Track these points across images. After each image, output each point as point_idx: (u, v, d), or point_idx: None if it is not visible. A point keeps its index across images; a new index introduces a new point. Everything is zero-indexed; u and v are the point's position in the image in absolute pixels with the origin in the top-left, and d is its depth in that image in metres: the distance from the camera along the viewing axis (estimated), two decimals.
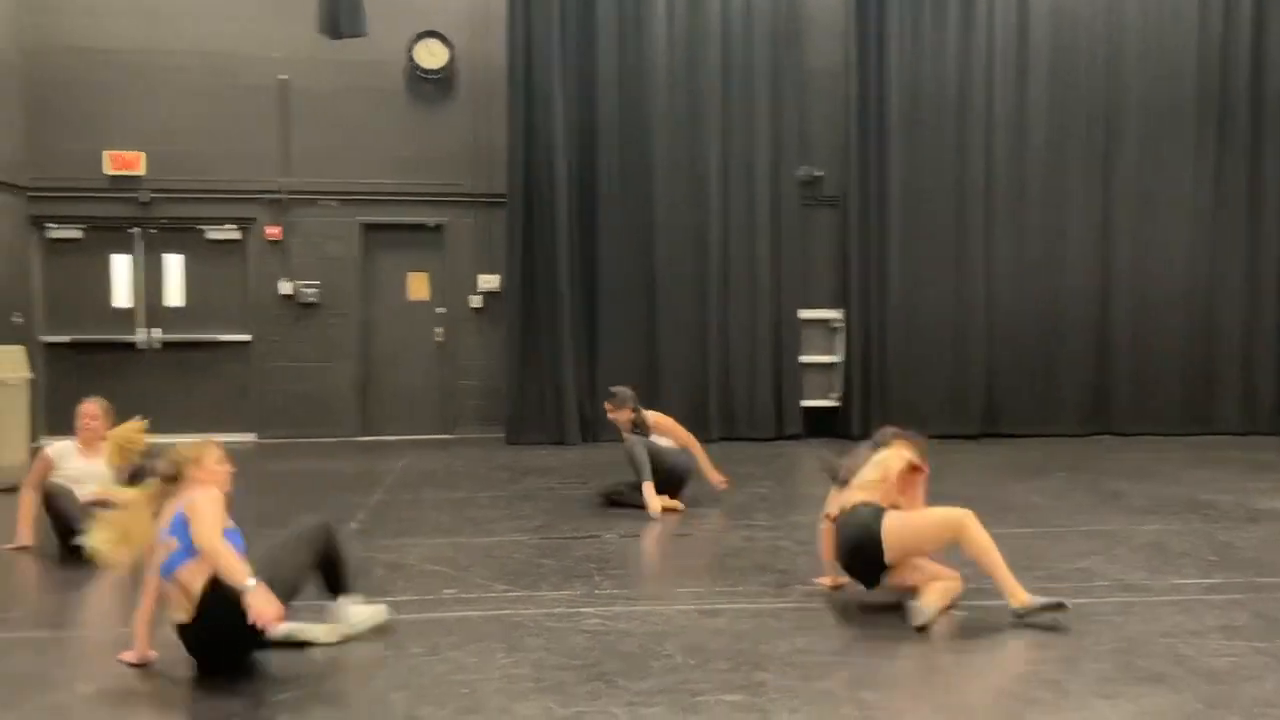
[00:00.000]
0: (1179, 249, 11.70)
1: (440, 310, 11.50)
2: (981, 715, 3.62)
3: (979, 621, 4.69)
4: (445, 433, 11.46)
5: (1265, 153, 11.72)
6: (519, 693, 3.83)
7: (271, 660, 4.19)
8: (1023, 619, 4.54)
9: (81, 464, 6.23)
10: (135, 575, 4.42)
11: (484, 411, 11.50)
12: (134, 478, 5.49)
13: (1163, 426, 11.50)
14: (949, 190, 11.50)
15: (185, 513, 3.93)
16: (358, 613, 4.39)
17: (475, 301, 11.48)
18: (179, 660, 4.22)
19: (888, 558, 4.66)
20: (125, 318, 11.11)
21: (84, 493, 6.07)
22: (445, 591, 5.06)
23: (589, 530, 6.60)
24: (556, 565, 5.69)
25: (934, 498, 6.72)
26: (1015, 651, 4.32)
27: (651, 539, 6.41)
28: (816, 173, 11.58)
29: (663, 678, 3.97)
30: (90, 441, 6.30)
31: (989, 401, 11.41)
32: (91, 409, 6.37)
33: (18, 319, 10.35)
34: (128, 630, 4.18)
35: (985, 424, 11.35)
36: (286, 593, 3.92)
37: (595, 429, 11.15)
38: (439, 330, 11.48)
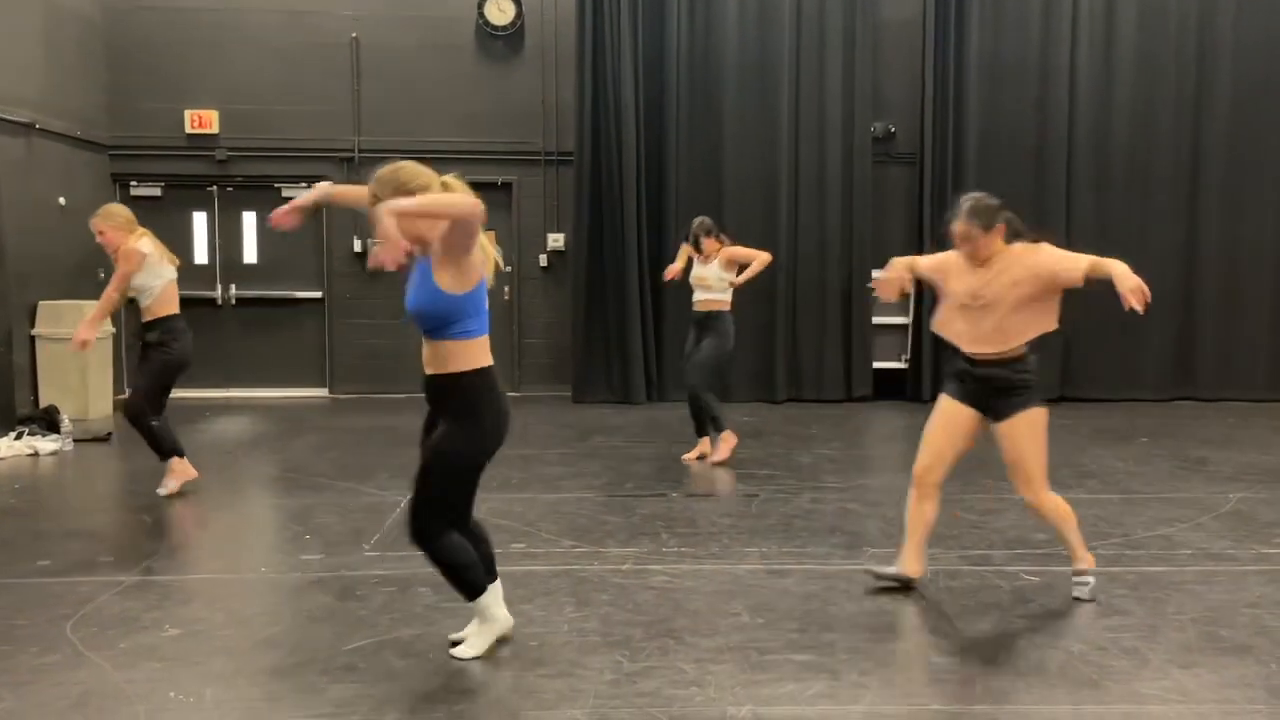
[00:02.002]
0: (1269, 209, 11.21)
1: (507, 269, 11.54)
2: (1057, 682, 3.55)
3: (1056, 588, 4.60)
4: (512, 390, 11.55)
5: None
6: (588, 646, 3.86)
7: (351, 611, 4.29)
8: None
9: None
10: None
11: (550, 370, 11.55)
12: None
13: (1247, 392, 11.10)
14: (1028, 149, 11.13)
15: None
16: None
17: (543, 260, 11.50)
18: (260, 612, 4.34)
19: None
20: (203, 274, 11.36)
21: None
22: (513, 546, 5.12)
23: (655, 489, 6.62)
24: (623, 522, 5.72)
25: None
26: (1092, 619, 4.23)
27: (718, 499, 6.40)
28: (890, 128, 11.31)
29: (730, 636, 3.97)
30: None
31: (1066, 364, 11.11)
32: (97, 224, 6.28)
33: (101, 275, 10.65)
34: (211, 576, 4.29)
35: (1064, 387, 11.07)
36: None
37: (660, 389, 11.14)
38: (506, 289, 11.54)
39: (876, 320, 11.28)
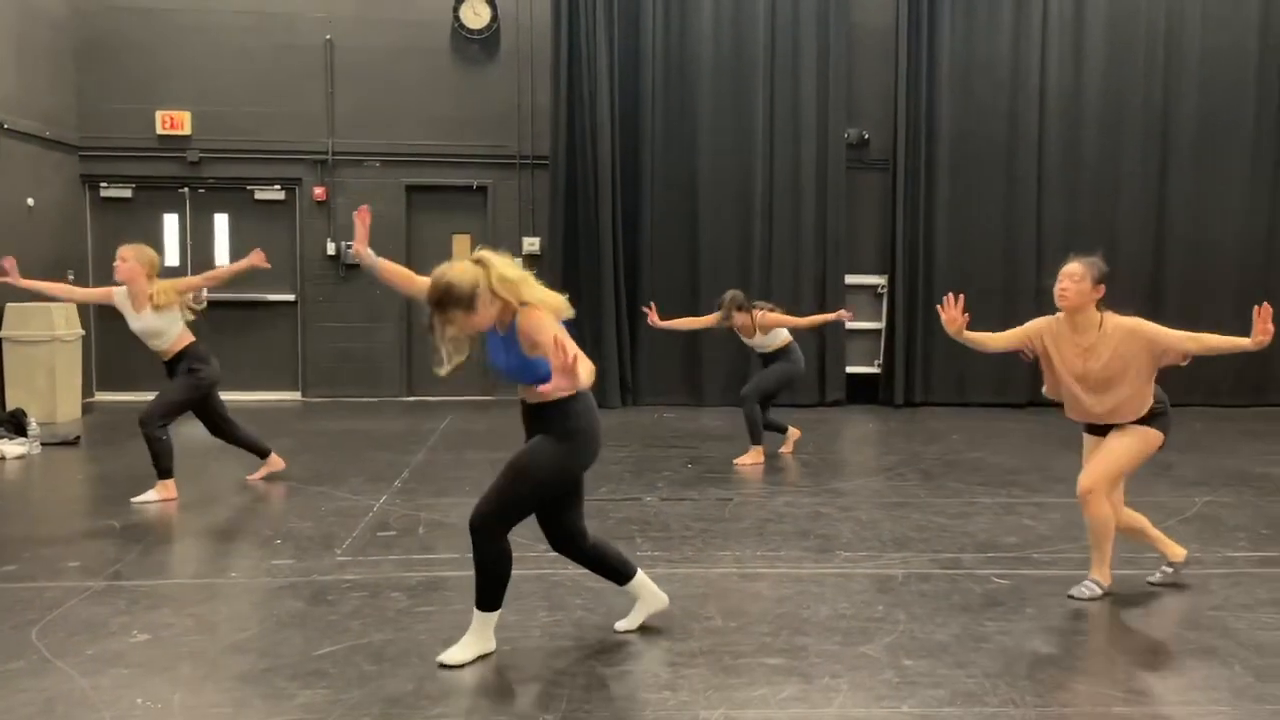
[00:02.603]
0: (1234, 215, 11.38)
1: None
2: (1024, 683, 3.59)
3: (1024, 591, 4.65)
4: (487, 394, 11.53)
5: None
6: (561, 650, 3.86)
7: (321, 616, 4.26)
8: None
9: (135, 321, 6.31)
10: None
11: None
12: None
13: (1213, 398, 11.26)
14: (999, 155, 11.26)
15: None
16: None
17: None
18: (230, 618, 4.31)
19: None
20: (175, 276, 11.19)
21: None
22: None
23: (629, 493, 6.62)
24: (597, 527, 5.68)
25: (983, 470, 6.68)
26: (1060, 622, 4.28)
27: (692, 503, 6.41)
28: (864, 135, 11.39)
29: (703, 639, 3.99)
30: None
31: (1037, 370, 11.21)
32: (122, 250, 6.32)
33: (71, 277, 10.53)
34: (180, 581, 4.26)
35: (1034, 394, 11.16)
36: None
37: (636, 392, 11.16)
38: None
39: (850, 326, 11.37)
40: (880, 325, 11.44)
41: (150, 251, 6.42)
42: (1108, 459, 4.45)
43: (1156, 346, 4.40)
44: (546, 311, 3.60)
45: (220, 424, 6.73)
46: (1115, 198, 11.30)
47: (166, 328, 6.26)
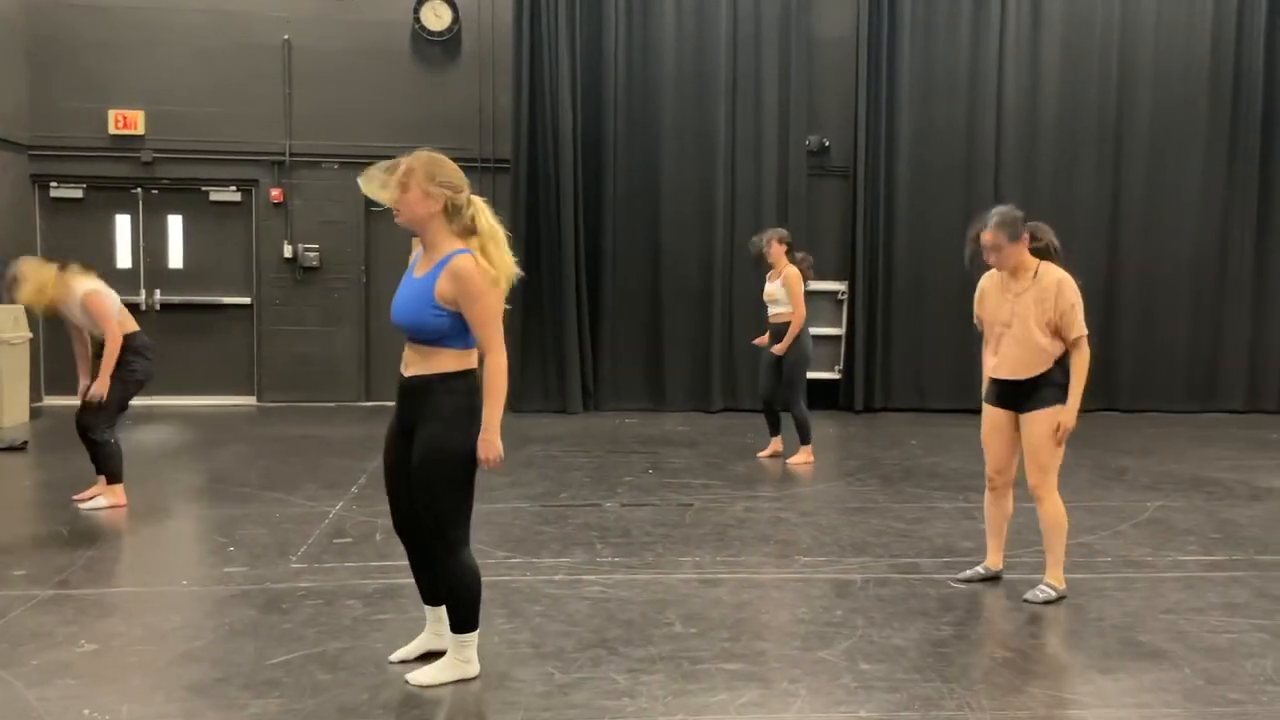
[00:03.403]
0: (1187, 226, 11.61)
1: None
2: (980, 687, 3.61)
3: (981, 595, 4.69)
4: None
5: (1277, 132, 11.59)
6: (519, 658, 3.83)
7: (275, 624, 4.20)
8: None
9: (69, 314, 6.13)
10: None
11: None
12: None
13: (1166, 404, 11.48)
14: (958, 164, 11.39)
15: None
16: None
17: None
18: (181, 626, 4.23)
19: None
20: (127, 279, 11.04)
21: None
22: None
23: (590, 499, 6.60)
24: (557, 533, 5.69)
25: (941, 475, 6.71)
26: (1017, 625, 4.32)
27: (653, 508, 6.40)
28: (825, 142, 11.47)
29: (663, 645, 3.97)
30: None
31: None
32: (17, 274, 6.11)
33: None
34: (130, 590, 4.17)
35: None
36: None
37: (597, 398, 11.13)
38: None
39: (812, 331, 11.42)
40: (840, 331, 11.51)
41: (38, 267, 6.14)
42: (1040, 454, 4.53)
43: (1064, 307, 4.49)
44: (493, 279, 3.44)
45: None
46: (1070, 205, 11.46)
47: (92, 323, 6.05)
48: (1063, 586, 4.60)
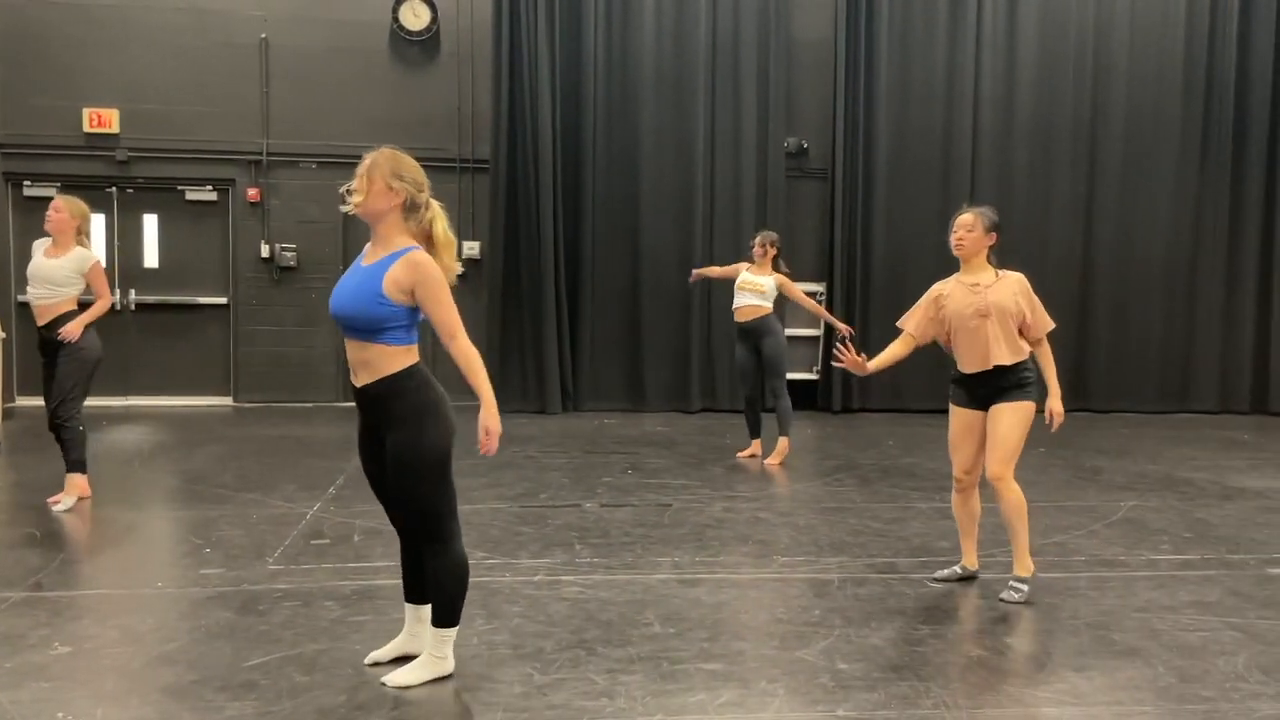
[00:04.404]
0: (1160, 228, 11.74)
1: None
2: (956, 685, 3.64)
3: (957, 594, 4.73)
4: None
5: (1250, 135, 11.73)
6: (498, 659, 3.83)
7: (252, 626, 4.17)
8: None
9: (40, 261, 6.11)
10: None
11: (464, 379, 11.42)
12: None
13: (1139, 404, 11.60)
14: (935, 164, 11.47)
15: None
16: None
17: (458, 269, 11.39)
18: (156, 628, 4.20)
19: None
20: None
21: (32, 295, 6.09)
22: None
23: (569, 499, 6.60)
24: (536, 533, 5.68)
25: (918, 475, 6.76)
26: (991, 625, 4.36)
27: (632, 509, 6.41)
28: (803, 143, 11.52)
29: (641, 646, 3.98)
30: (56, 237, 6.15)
31: None
32: (56, 201, 6.17)
33: None
34: (104, 592, 4.13)
35: None
36: None
37: (576, 398, 11.13)
38: None
39: (790, 332, 11.47)
40: (818, 332, 11.56)
41: (83, 204, 6.27)
42: (1004, 443, 4.61)
43: (1035, 305, 4.68)
44: (442, 275, 3.51)
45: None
46: (1045, 205, 11.58)
47: (69, 281, 6.03)
48: (1031, 572, 4.66)
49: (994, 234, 4.74)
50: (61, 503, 6.08)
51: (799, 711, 3.42)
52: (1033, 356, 4.67)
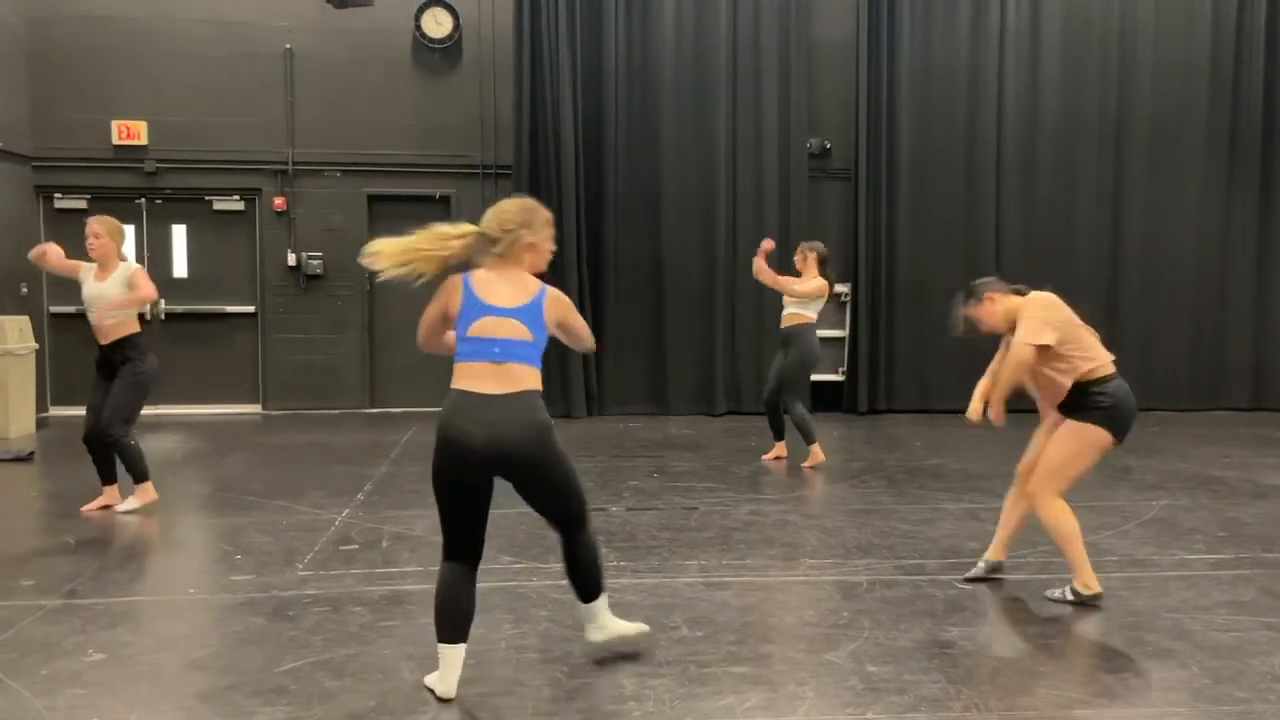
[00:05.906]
0: (1189, 223, 11.61)
1: None
2: (987, 687, 3.62)
3: (987, 596, 4.69)
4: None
5: (1278, 129, 11.58)
6: (526, 663, 3.84)
7: (282, 632, 4.21)
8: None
9: (92, 286, 6.27)
10: None
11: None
12: None
13: (1170, 402, 11.46)
14: (959, 165, 11.40)
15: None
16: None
17: None
18: (189, 635, 4.24)
19: None
20: None
21: (92, 318, 6.22)
22: None
23: (595, 503, 6.59)
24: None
25: (945, 476, 6.70)
26: (1021, 626, 4.32)
27: (658, 512, 6.41)
28: (826, 144, 11.48)
29: (669, 649, 3.98)
30: (100, 261, 6.33)
31: None
32: (94, 226, 6.33)
33: (24, 290, 10.35)
34: (137, 599, 4.16)
35: None
36: None
37: (601, 402, 11.14)
38: None
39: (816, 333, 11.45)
40: (844, 333, 11.51)
41: (116, 221, 6.48)
42: (1045, 460, 4.57)
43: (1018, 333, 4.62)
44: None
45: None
46: (1072, 204, 11.48)
47: (122, 294, 6.18)
48: (1091, 590, 4.52)
49: (987, 297, 4.72)
50: (124, 504, 6.34)
51: (828, 714, 3.41)
52: (1096, 385, 4.54)
